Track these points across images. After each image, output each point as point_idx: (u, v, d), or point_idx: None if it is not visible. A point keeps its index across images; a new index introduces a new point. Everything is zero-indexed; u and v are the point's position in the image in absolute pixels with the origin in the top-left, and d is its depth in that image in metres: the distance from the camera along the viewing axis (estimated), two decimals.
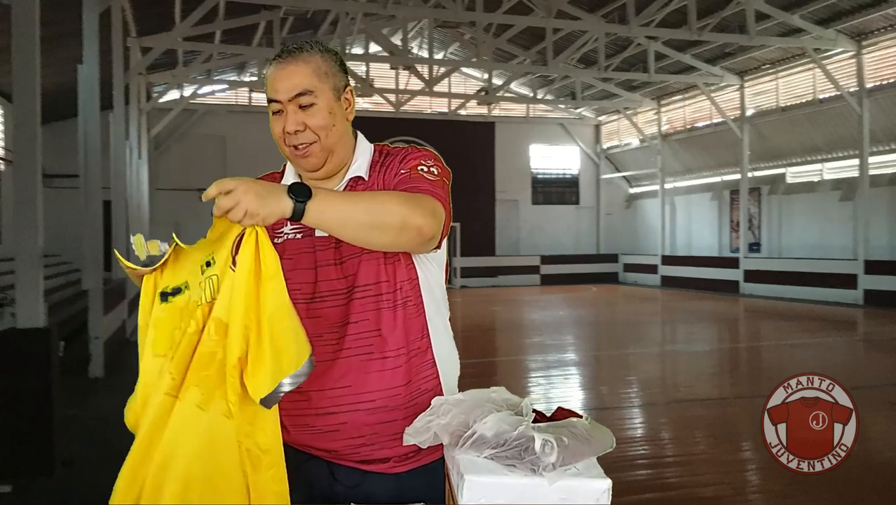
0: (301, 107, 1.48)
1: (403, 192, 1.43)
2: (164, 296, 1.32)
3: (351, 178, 1.57)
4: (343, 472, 1.53)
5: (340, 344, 1.50)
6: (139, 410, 1.30)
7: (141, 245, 1.27)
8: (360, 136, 1.63)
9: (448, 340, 1.63)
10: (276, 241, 1.53)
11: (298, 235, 1.55)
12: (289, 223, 1.54)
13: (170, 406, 1.26)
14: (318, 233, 1.52)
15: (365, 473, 1.52)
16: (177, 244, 1.32)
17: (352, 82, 1.59)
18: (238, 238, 1.27)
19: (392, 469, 1.52)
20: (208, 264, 1.31)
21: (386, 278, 1.52)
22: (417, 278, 1.55)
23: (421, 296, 1.56)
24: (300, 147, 1.50)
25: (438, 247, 1.51)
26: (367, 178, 1.57)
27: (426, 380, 1.54)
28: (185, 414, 1.25)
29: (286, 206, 1.24)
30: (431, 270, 1.58)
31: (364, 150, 1.60)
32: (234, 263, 1.27)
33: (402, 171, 1.52)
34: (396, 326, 1.51)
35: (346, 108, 1.55)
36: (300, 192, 1.25)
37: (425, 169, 1.51)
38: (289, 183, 1.28)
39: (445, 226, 1.47)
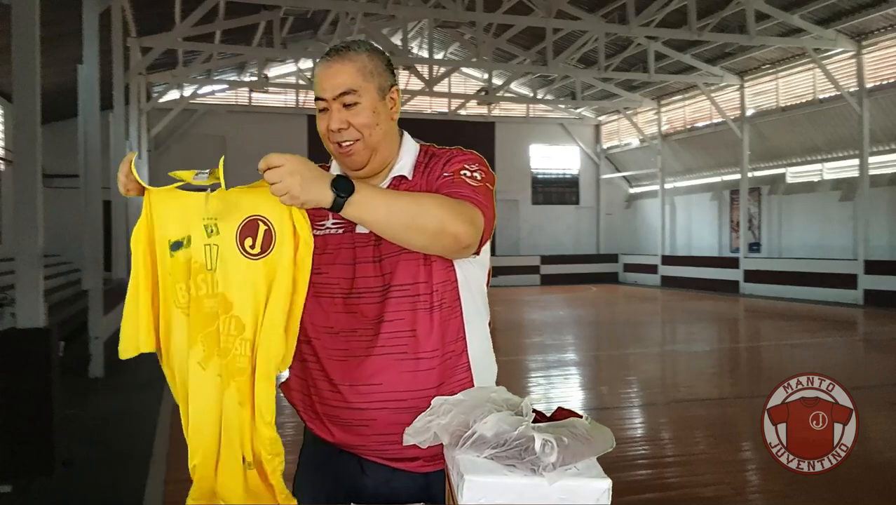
0: (345, 105, 1.49)
1: (446, 197, 1.42)
2: (172, 247, 1.36)
3: (394, 177, 1.57)
4: (372, 467, 1.54)
5: (375, 341, 1.50)
6: (173, 366, 1.38)
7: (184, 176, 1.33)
8: (407, 135, 1.63)
9: (486, 343, 1.61)
10: (316, 233, 1.54)
11: (340, 231, 1.56)
12: (331, 217, 1.56)
13: (210, 383, 1.35)
14: (358, 229, 1.54)
15: (394, 470, 1.52)
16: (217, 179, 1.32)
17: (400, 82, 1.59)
18: (243, 223, 1.32)
19: (421, 468, 1.52)
20: (210, 231, 1.33)
21: (423, 279, 1.51)
22: (456, 280, 1.55)
23: (459, 298, 1.55)
24: (344, 145, 1.52)
25: (477, 253, 1.50)
26: (410, 178, 1.57)
27: (460, 383, 1.53)
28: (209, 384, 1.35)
29: (326, 197, 1.26)
30: (472, 272, 1.57)
31: (409, 150, 1.61)
32: (243, 250, 1.32)
33: (446, 175, 1.51)
34: (432, 328, 1.51)
35: (391, 108, 1.56)
36: (343, 187, 1.27)
37: (468, 174, 1.50)
38: (335, 174, 1.30)
39: (486, 230, 1.46)
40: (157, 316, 1.38)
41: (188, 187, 1.36)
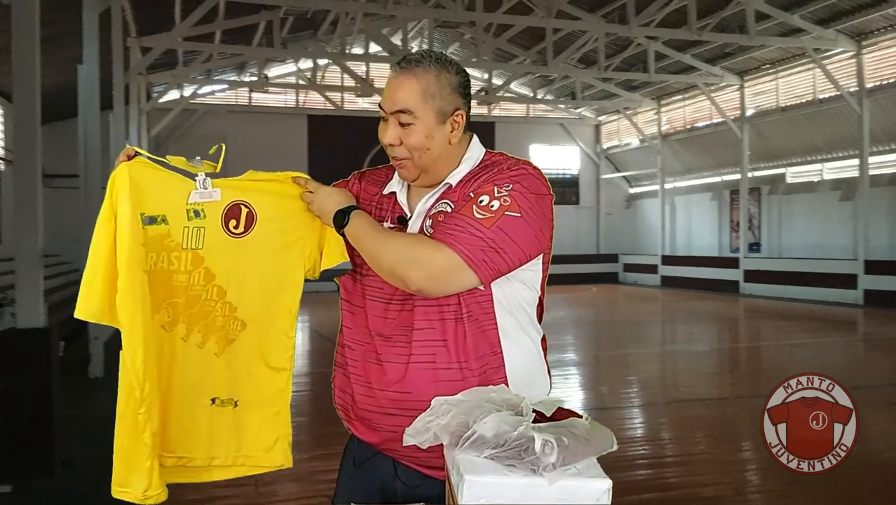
0: (401, 123, 1.49)
1: (421, 237, 1.48)
2: (146, 221, 1.49)
3: (445, 185, 1.56)
4: (405, 471, 1.55)
5: (409, 349, 1.50)
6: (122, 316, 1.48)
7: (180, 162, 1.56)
8: (475, 142, 1.60)
9: (531, 360, 1.57)
10: None
11: None
12: (388, 220, 1.60)
13: (169, 342, 1.54)
14: (409, 231, 1.56)
15: (425, 476, 1.52)
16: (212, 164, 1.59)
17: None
18: (227, 208, 1.53)
19: None
20: (196, 214, 1.52)
21: None
22: (490, 295, 1.50)
23: (493, 312, 1.51)
24: (396, 159, 1.53)
25: (484, 287, 1.47)
26: (454, 186, 1.55)
27: None
28: (189, 352, 1.56)
29: (332, 226, 1.56)
30: (509, 289, 1.52)
31: (470, 158, 1.57)
32: (228, 231, 1.54)
33: (470, 194, 1.49)
34: (464, 339, 1.49)
35: (451, 132, 1.52)
36: (337, 221, 1.53)
37: (486, 201, 1.44)
38: (346, 206, 1.54)
39: (477, 265, 1.41)
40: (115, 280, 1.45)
41: (174, 169, 1.52)
